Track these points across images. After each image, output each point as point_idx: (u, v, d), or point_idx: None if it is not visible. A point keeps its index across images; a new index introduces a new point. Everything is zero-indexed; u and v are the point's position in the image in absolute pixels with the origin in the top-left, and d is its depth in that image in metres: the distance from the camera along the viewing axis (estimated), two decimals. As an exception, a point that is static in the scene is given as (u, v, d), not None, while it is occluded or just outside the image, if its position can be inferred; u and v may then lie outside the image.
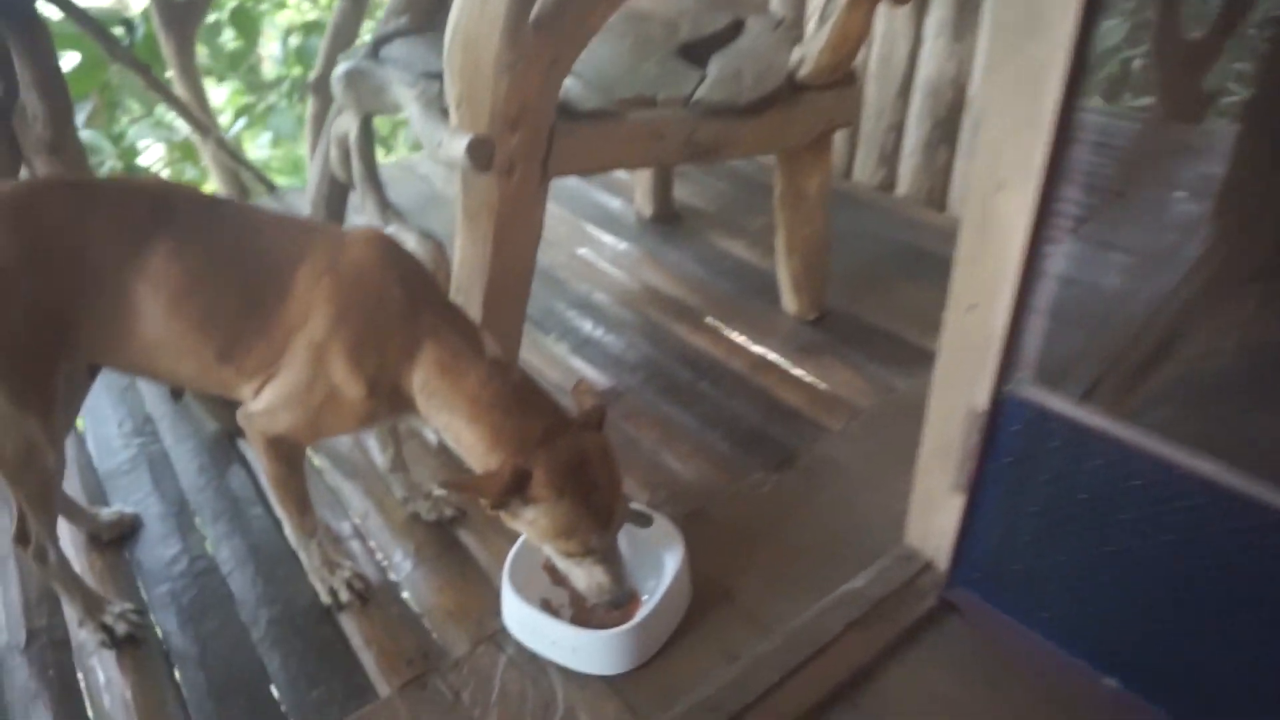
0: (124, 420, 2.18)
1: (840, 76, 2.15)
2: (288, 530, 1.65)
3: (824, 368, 2.38)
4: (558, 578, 1.66)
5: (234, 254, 1.44)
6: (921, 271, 2.86)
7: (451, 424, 1.44)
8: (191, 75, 3.36)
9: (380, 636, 1.60)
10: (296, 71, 5.63)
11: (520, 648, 1.57)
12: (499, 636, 1.59)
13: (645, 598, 1.60)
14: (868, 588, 1.64)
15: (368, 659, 1.56)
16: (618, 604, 1.48)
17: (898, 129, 3.39)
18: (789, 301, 2.58)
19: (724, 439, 2.11)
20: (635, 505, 1.71)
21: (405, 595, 1.71)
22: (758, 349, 2.47)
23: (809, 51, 2.11)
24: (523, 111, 1.72)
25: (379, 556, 1.80)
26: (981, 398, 1.46)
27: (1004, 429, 1.46)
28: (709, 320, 2.62)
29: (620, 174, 3.61)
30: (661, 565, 1.63)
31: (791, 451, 2.05)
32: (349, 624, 1.63)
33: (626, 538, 1.66)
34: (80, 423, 2.17)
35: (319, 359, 1.41)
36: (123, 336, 1.42)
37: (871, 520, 1.84)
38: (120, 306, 1.40)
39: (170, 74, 3.35)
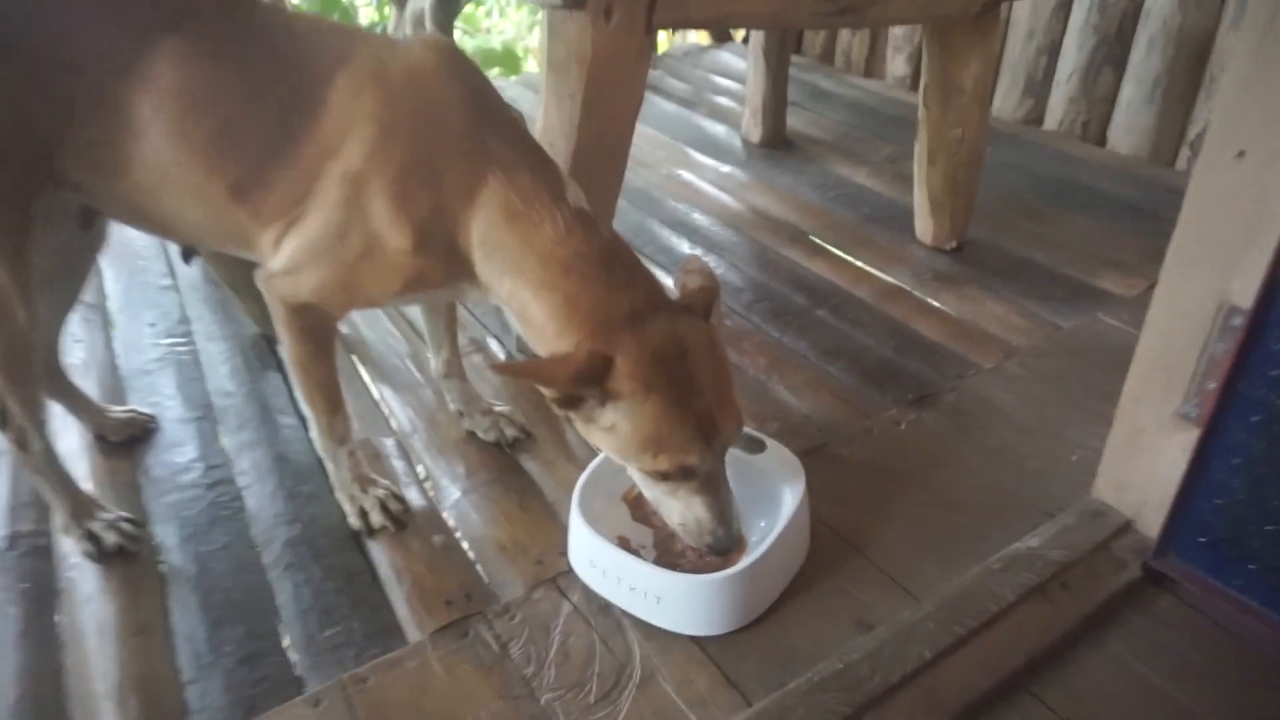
0: (158, 320, 1.93)
1: (1014, -72, 1.73)
2: (314, 434, 1.35)
3: (968, 300, 1.96)
4: (642, 513, 1.31)
5: (256, 62, 1.13)
6: (1082, 205, 2.41)
7: (516, 293, 1.10)
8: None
9: (416, 570, 1.28)
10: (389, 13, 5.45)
11: (589, 595, 1.22)
12: (563, 580, 1.25)
13: (753, 540, 1.24)
14: (1045, 549, 1.24)
15: (397, 596, 1.24)
16: (720, 549, 1.12)
17: (1051, 51, 2.91)
18: (924, 226, 2.17)
19: (847, 370, 1.72)
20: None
21: (451, 525, 1.39)
22: (886, 277, 2.07)
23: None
24: (623, -66, 1.37)
25: (423, 478, 1.48)
26: (1243, 287, 1.04)
27: (1274, 329, 1.04)
28: (827, 246, 2.23)
29: (726, 100, 3.24)
30: (776, 502, 1.26)
31: (933, 388, 1.66)
32: (379, 553, 1.31)
33: (732, 469, 1.30)
34: (111, 320, 1.93)
35: (355, 196, 1.09)
36: (116, 163, 1.13)
37: (1040, 471, 1.44)
38: (113, 123, 1.11)
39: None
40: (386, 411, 1.65)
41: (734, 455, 1.26)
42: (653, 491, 1.13)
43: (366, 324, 1.91)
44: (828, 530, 1.32)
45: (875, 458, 1.49)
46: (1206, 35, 2.52)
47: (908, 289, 2.02)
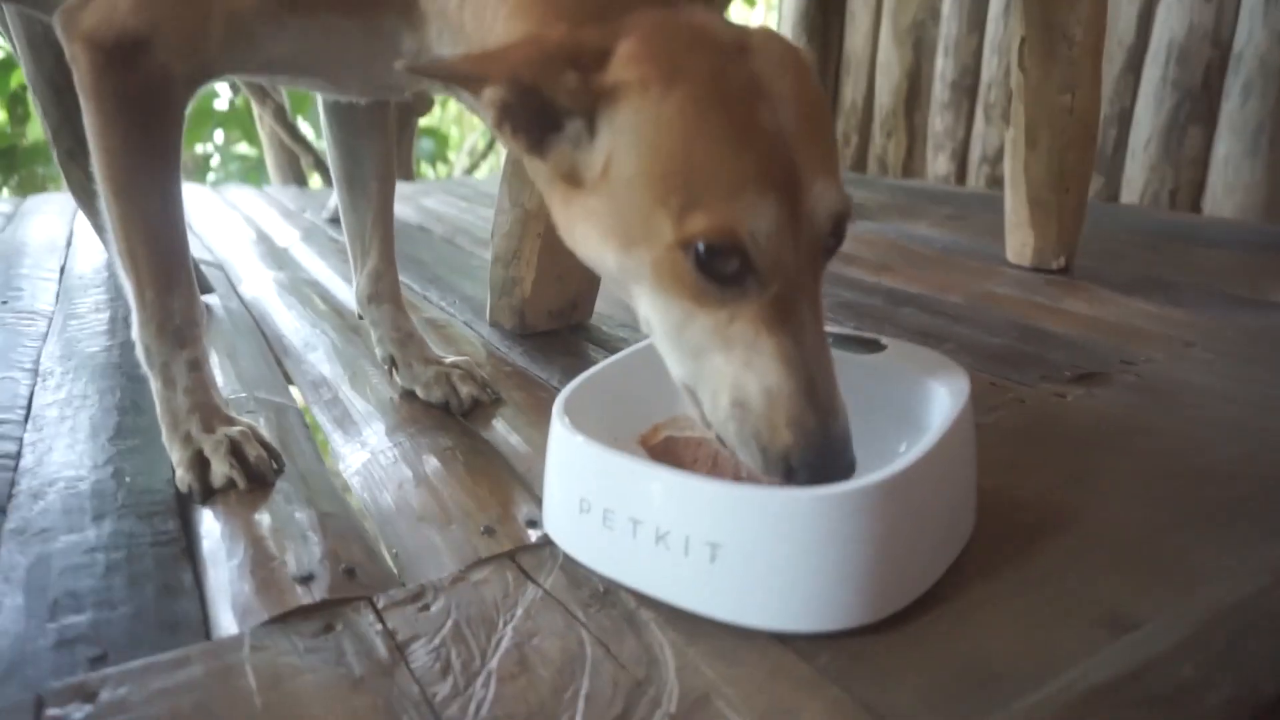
0: (14, 298, 1.44)
1: None
2: (134, 327, 0.82)
3: (1100, 302, 1.47)
4: (672, 458, 0.76)
5: None
6: (1203, 244, 1.97)
7: None
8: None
9: (260, 537, 0.71)
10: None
11: (577, 575, 0.65)
12: (528, 558, 0.68)
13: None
14: None
15: (219, 573, 0.67)
16: (813, 459, 0.57)
17: (1122, 120, 2.59)
18: (1021, 240, 1.71)
19: (958, 353, 1.20)
20: (843, 329, 0.82)
21: (349, 486, 0.83)
22: (981, 287, 1.59)
23: None
24: None
25: (321, 439, 0.93)
26: None
27: None
28: (896, 266, 1.76)
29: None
30: (918, 418, 0.72)
31: (1094, 369, 1.13)
32: (211, 521, 0.75)
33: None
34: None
35: None
36: None
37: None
38: None
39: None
40: (289, 367, 1.12)
41: (841, 359, 0.73)
42: (682, 336, 0.60)
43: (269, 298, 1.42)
44: (1001, 503, 0.75)
45: (1040, 427, 0.94)
46: (1315, 69, 2.19)
47: (1015, 295, 1.53)
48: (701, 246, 0.55)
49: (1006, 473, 0.81)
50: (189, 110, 0.77)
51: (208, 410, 0.82)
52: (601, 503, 0.63)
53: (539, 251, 1.22)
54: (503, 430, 0.94)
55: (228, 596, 0.64)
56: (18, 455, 0.88)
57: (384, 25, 0.72)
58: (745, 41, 0.59)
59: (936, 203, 2.58)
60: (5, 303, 1.41)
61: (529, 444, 0.90)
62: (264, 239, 1.99)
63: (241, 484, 0.77)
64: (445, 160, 6.07)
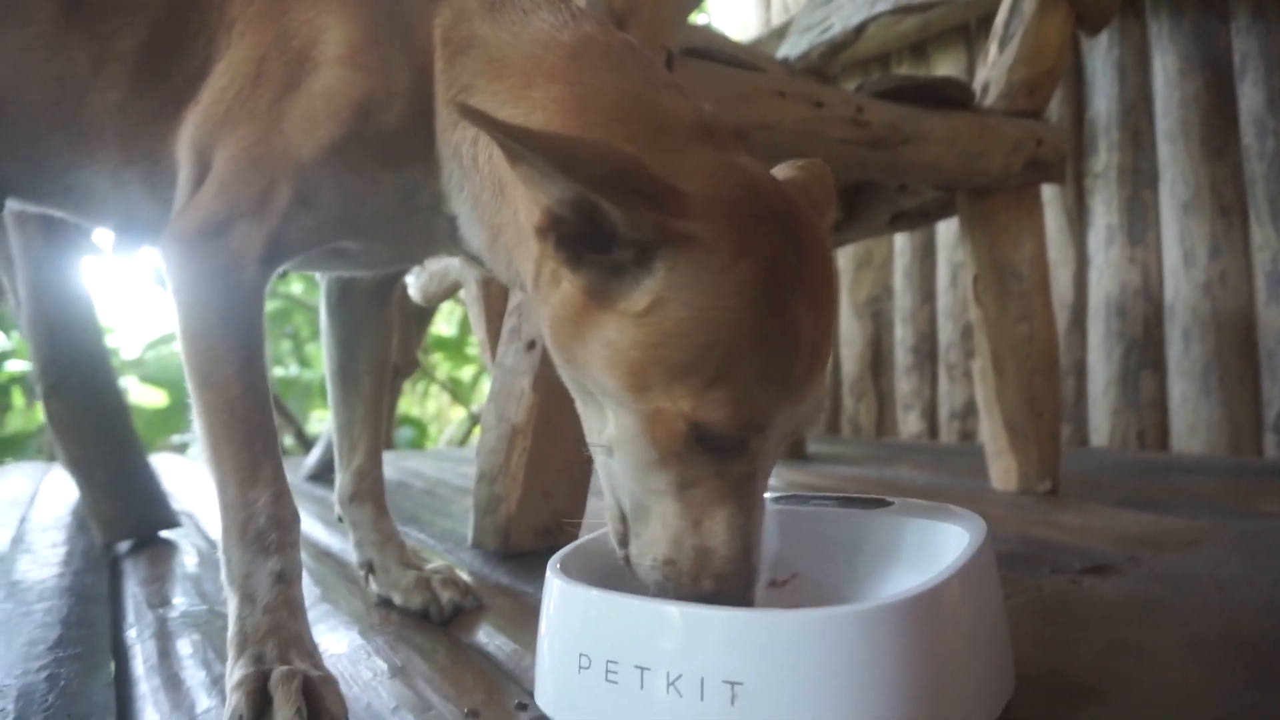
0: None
1: (1040, 104, 1.63)
2: (222, 543, 0.72)
3: (1098, 515, 1.45)
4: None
5: None
6: (1178, 470, 1.99)
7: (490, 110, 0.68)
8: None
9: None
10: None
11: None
12: (518, 739, 0.60)
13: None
14: None
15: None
16: (730, 589, 0.60)
17: (1078, 371, 2.73)
18: (1005, 468, 1.72)
19: (965, 557, 1.15)
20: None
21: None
22: (973, 509, 1.56)
23: (994, 74, 1.63)
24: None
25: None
26: None
27: None
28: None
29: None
30: (937, 558, 0.67)
31: (1102, 561, 1.09)
32: None
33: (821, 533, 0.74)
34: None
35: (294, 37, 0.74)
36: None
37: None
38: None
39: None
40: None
41: (852, 515, 0.71)
42: (644, 478, 0.61)
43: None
44: (1038, 671, 0.69)
45: (1063, 608, 0.88)
46: (1243, 315, 2.35)
47: (1008, 514, 1.50)
48: (708, 429, 0.58)
49: (1038, 646, 0.75)
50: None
51: (288, 637, 0.68)
52: (603, 654, 0.56)
53: (525, 466, 1.20)
54: (487, 633, 0.86)
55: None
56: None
57: (413, 177, 0.76)
58: (793, 210, 0.62)
59: (913, 453, 2.62)
60: None
61: (516, 643, 0.82)
62: (238, 494, 1.94)
63: (303, 727, 0.65)
64: (423, 449, 6.16)
